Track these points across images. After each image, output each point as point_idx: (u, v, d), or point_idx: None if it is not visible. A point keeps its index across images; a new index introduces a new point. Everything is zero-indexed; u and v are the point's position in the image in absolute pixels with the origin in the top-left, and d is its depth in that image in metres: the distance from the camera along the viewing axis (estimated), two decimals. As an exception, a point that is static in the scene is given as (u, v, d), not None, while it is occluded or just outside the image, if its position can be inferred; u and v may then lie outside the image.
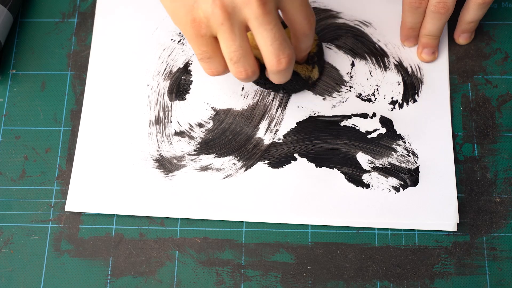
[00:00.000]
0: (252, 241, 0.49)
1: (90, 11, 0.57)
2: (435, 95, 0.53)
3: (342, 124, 0.52)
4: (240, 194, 0.50)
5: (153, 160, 0.51)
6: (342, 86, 0.53)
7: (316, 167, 0.51)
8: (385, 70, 0.54)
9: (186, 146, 0.52)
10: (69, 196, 0.50)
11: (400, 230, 0.49)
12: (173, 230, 0.50)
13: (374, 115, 0.52)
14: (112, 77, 0.54)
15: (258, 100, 0.53)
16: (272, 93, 0.53)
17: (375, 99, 0.53)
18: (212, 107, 0.53)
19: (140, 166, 0.51)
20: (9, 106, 0.54)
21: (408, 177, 0.50)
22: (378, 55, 0.54)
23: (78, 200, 0.50)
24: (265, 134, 0.52)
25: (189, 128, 0.52)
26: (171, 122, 0.52)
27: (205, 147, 0.51)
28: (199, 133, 0.52)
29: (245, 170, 0.51)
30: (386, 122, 0.52)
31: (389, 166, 0.50)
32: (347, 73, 0.54)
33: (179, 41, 0.55)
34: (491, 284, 0.48)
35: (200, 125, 0.52)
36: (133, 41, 0.55)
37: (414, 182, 0.50)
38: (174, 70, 0.54)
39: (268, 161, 0.51)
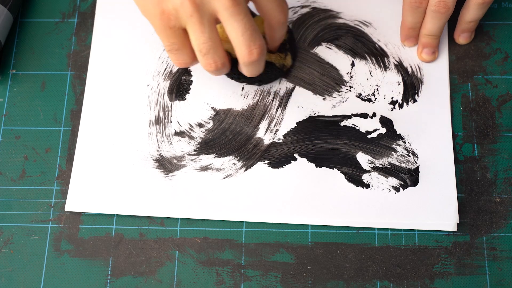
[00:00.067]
0: (252, 241, 0.49)
1: (90, 11, 0.57)
2: (435, 95, 0.53)
3: (342, 124, 0.52)
4: (240, 194, 0.50)
5: (153, 160, 0.51)
6: (342, 86, 0.53)
7: (316, 167, 0.51)
8: (385, 70, 0.54)
9: (186, 146, 0.52)
10: (69, 196, 0.50)
11: (400, 230, 0.49)
12: (173, 230, 0.50)
13: (374, 115, 0.52)
14: (112, 77, 0.54)
15: (258, 100, 0.53)
16: (272, 93, 0.53)
17: (375, 99, 0.53)
18: (212, 107, 0.53)
19: (140, 166, 0.51)
20: (9, 106, 0.54)
21: (408, 177, 0.50)
22: (378, 55, 0.54)
23: (78, 200, 0.50)
24: (265, 134, 0.52)
25: (189, 128, 0.52)
26: (171, 122, 0.52)
27: (205, 147, 0.51)
28: (199, 133, 0.52)
29: (245, 170, 0.51)
30: (386, 122, 0.52)
31: (389, 166, 0.50)
32: (347, 73, 0.54)
33: (179, 41, 0.55)
34: (491, 284, 0.48)
35: (200, 125, 0.52)
36: (133, 41, 0.55)
37: (414, 182, 0.50)
38: (174, 70, 0.54)
39: (268, 161, 0.51)
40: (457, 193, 0.50)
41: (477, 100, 0.53)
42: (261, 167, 0.51)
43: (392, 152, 0.51)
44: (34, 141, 0.52)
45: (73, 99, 0.54)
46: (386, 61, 0.54)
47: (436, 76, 0.53)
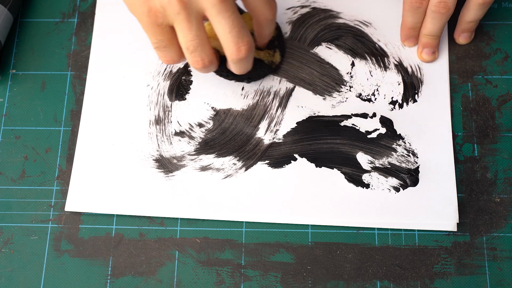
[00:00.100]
0: (252, 241, 0.49)
1: (90, 11, 0.57)
2: (435, 95, 0.53)
3: (342, 124, 0.52)
4: (240, 194, 0.50)
5: (153, 160, 0.51)
6: (342, 86, 0.53)
7: (316, 167, 0.51)
8: (385, 70, 0.54)
9: (186, 146, 0.52)
10: (69, 196, 0.50)
11: (400, 230, 0.49)
12: (173, 230, 0.50)
13: (374, 115, 0.52)
14: (112, 77, 0.54)
15: (258, 100, 0.53)
16: (272, 93, 0.53)
17: (375, 99, 0.53)
18: (212, 107, 0.53)
19: (140, 166, 0.51)
20: (9, 106, 0.54)
21: (408, 177, 0.50)
22: (378, 55, 0.54)
23: (78, 200, 0.50)
24: (265, 134, 0.52)
25: (189, 128, 0.52)
26: (171, 122, 0.52)
27: (205, 147, 0.51)
28: (199, 133, 0.52)
29: (245, 170, 0.51)
30: (386, 122, 0.52)
31: (389, 166, 0.50)
32: (347, 73, 0.54)
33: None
34: (491, 284, 0.48)
35: (200, 125, 0.52)
36: (133, 41, 0.55)
37: (414, 182, 0.50)
38: (174, 70, 0.54)
39: (268, 161, 0.51)
40: (457, 193, 0.50)
41: (477, 100, 0.53)
42: (261, 167, 0.51)
43: (392, 152, 0.51)
44: (34, 141, 0.52)
45: (73, 99, 0.54)
46: (386, 61, 0.54)
47: (436, 76, 0.53)
